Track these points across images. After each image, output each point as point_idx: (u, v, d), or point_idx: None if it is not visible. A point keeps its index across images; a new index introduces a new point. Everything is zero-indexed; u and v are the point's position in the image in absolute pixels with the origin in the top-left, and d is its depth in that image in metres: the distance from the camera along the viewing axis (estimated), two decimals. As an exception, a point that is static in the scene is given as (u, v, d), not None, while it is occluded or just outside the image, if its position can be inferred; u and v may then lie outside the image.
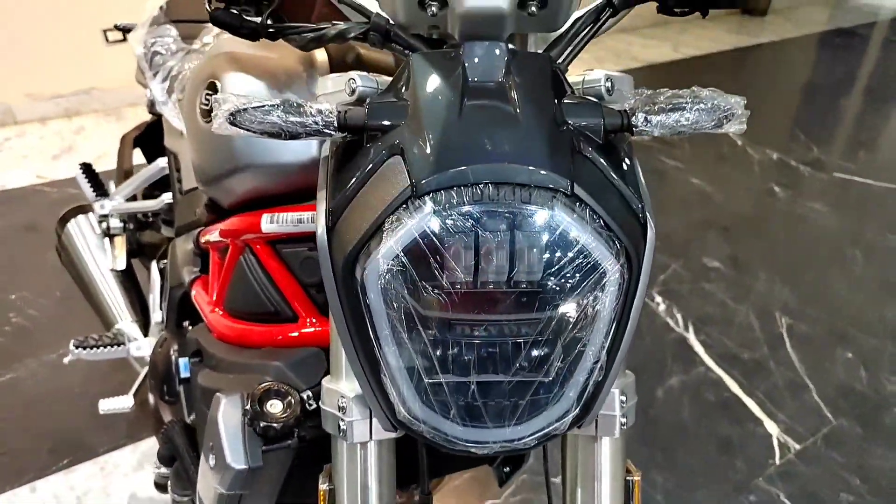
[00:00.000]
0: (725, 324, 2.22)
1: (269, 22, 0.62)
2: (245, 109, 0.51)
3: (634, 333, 0.55)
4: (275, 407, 0.65)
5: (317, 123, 0.51)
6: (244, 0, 0.62)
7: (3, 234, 2.63)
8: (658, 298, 2.33)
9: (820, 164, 3.35)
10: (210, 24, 1.44)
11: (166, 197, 1.41)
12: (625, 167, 0.55)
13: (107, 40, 1.81)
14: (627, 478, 0.65)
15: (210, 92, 0.77)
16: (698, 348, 2.10)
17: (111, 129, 3.58)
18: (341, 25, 0.59)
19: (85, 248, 1.57)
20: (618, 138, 0.56)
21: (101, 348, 1.41)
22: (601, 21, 0.59)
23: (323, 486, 0.63)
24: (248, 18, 0.62)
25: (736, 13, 6.57)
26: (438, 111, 0.50)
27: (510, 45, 0.53)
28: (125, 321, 1.49)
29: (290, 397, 0.65)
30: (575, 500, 0.65)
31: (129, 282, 1.58)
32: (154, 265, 1.43)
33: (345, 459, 0.62)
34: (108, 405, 1.36)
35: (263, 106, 0.51)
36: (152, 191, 1.62)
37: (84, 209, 1.62)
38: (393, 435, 0.60)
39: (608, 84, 0.57)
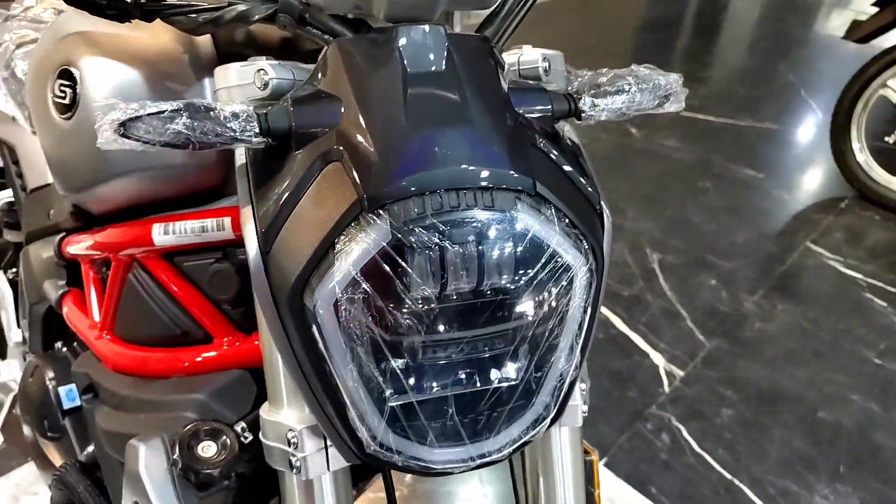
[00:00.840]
0: (604, 264, 2.34)
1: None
2: (139, 118, 0.42)
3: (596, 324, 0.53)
4: (208, 450, 0.57)
5: (233, 130, 0.43)
6: None
7: None
8: (541, 246, 2.40)
9: (668, 102, 3.58)
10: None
11: (4, 195, 1.20)
12: (572, 153, 0.52)
13: None
14: (586, 458, 0.65)
15: (66, 82, 0.64)
16: (583, 290, 2.20)
17: None
18: (241, 6, 0.49)
19: None
20: (561, 127, 0.53)
21: (-53, 381, 1.20)
22: None
23: (274, 526, 0.57)
24: None
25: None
26: (379, 109, 0.44)
27: (447, 28, 0.48)
28: (-29, 345, 1.28)
29: (223, 436, 0.58)
30: (537, 487, 0.64)
31: (-31, 297, 1.35)
32: (1, 275, 1.23)
33: (297, 495, 0.56)
34: (-31, 448, 1.17)
35: (163, 112, 0.42)
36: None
37: None
38: (351, 461, 0.55)
39: (545, 64, 0.54)
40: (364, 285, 0.42)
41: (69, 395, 0.92)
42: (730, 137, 3.25)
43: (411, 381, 0.46)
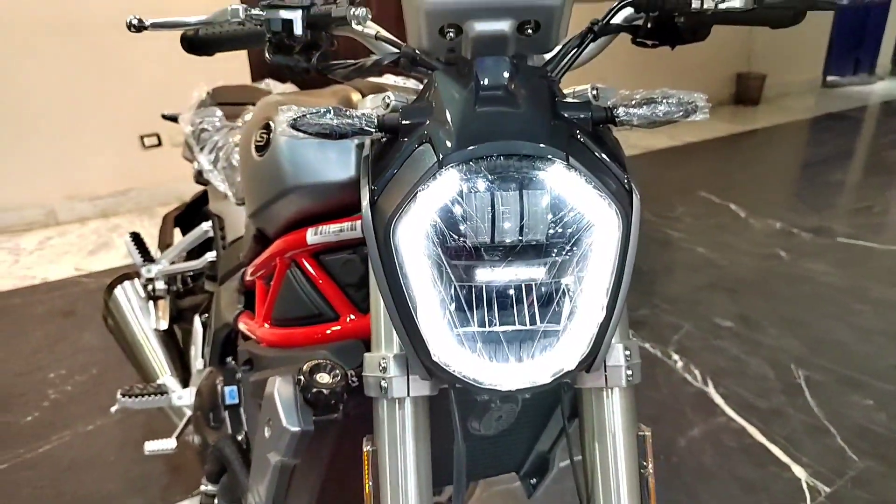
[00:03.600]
0: (741, 376, 2.26)
1: (315, 62, 0.77)
2: (304, 115, 0.65)
3: (629, 285, 0.65)
4: (323, 378, 0.75)
5: (360, 122, 0.65)
6: (296, 51, 0.78)
7: (43, 319, 2.77)
8: (675, 356, 2.38)
9: (821, 230, 3.47)
10: (250, 106, 1.64)
11: (209, 255, 1.55)
12: (609, 146, 0.67)
13: (143, 146, 2.02)
14: (639, 433, 0.73)
15: (264, 130, 0.92)
16: (718, 400, 2.14)
17: (145, 225, 3.81)
18: (375, 56, 0.74)
19: (130, 311, 1.69)
20: (605, 134, 0.69)
21: (146, 397, 1.50)
22: (585, 44, 0.73)
23: (366, 448, 0.71)
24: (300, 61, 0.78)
25: (729, 103, 6.96)
26: (457, 106, 0.63)
27: (513, 59, 0.67)
28: (166, 375, 1.59)
29: (336, 370, 0.75)
30: (593, 454, 0.72)
31: (171, 342, 1.69)
32: (197, 319, 1.54)
33: (385, 418, 0.70)
34: (152, 447, 1.43)
35: (318, 111, 0.65)
36: (194, 255, 1.76)
37: (129, 276, 1.76)
38: (426, 391, 0.69)
39: (594, 91, 0.71)
40: (435, 218, 0.60)
41: (231, 395, 1.14)
42: (893, 263, 3.05)
43: (464, 293, 0.61)
